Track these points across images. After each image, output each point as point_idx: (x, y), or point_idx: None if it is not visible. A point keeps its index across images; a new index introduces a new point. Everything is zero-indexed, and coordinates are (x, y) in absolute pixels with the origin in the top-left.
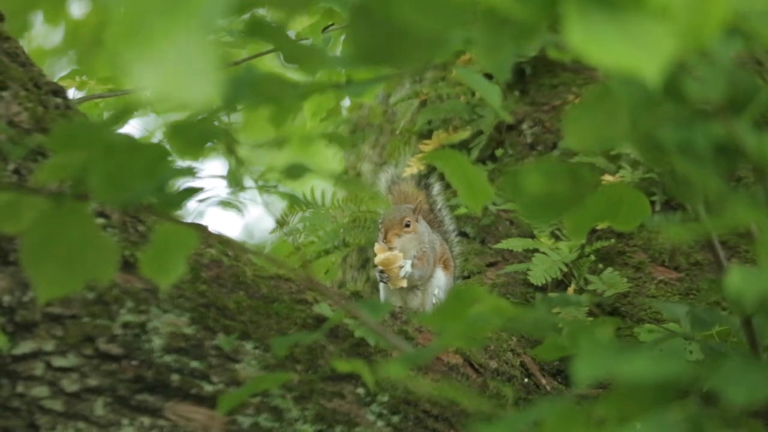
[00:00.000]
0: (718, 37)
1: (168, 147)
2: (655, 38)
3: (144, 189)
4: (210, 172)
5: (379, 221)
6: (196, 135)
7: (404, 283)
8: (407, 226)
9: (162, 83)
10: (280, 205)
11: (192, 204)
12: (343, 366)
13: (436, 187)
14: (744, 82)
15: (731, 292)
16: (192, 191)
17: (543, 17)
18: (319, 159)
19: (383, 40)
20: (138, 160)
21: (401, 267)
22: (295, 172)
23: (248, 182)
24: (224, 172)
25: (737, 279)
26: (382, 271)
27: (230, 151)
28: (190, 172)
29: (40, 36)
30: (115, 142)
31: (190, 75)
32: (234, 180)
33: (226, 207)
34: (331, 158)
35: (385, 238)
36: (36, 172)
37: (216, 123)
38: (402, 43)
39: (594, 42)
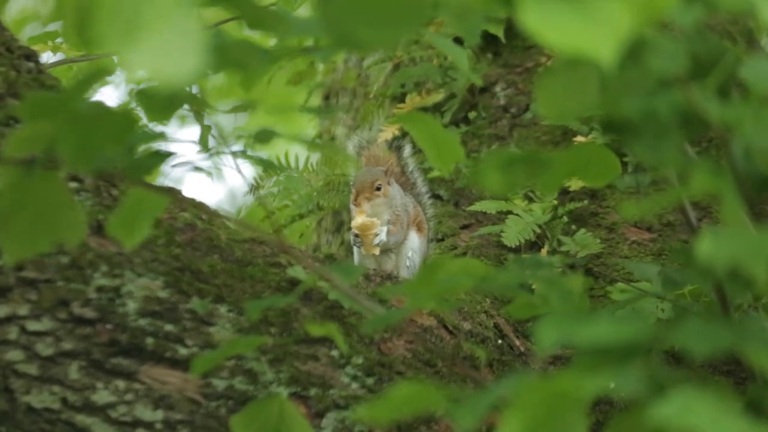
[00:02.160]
0: (676, 6)
1: (138, 113)
2: (610, 16)
3: (113, 155)
4: (183, 138)
5: (351, 183)
6: (165, 100)
7: (377, 251)
8: (378, 189)
9: (149, 64)
10: (256, 169)
11: (168, 169)
12: (316, 329)
13: (407, 149)
14: (709, 49)
15: (702, 258)
16: (162, 156)
17: None
18: (293, 123)
19: (354, 11)
20: (107, 126)
21: (377, 234)
22: (264, 136)
23: (220, 147)
24: (196, 138)
25: (708, 245)
26: (356, 235)
27: (200, 116)
28: (159, 137)
29: (24, 2)
30: (84, 110)
31: (176, 54)
32: (205, 145)
33: (199, 171)
34: (306, 122)
35: (355, 200)
36: (5, 144)
37: (186, 88)
38: (374, 11)
39: (547, 23)
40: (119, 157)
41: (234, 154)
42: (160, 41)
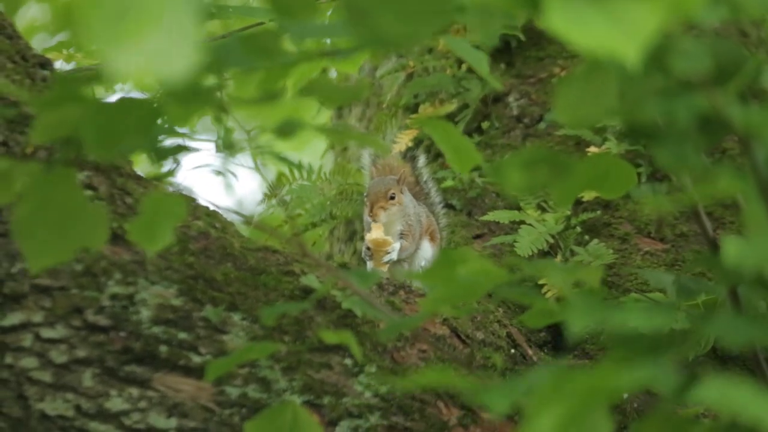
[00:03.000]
0: (702, 6)
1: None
2: (636, 16)
3: (136, 143)
4: (204, 138)
5: (365, 194)
6: (189, 94)
7: (385, 268)
8: (392, 198)
9: (142, 65)
10: (269, 177)
11: (184, 174)
12: (330, 337)
13: (421, 159)
14: (730, 53)
15: (729, 262)
16: (183, 148)
17: None
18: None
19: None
20: (131, 115)
21: (388, 253)
22: (287, 129)
23: (241, 145)
24: (215, 138)
25: (735, 250)
26: (368, 248)
27: (221, 113)
28: (182, 133)
29: (31, 13)
30: (107, 102)
31: (170, 53)
32: (225, 144)
33: (218, 174)
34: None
35: (371, 212)
36: (30, 132)
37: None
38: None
39: (573, 23)
40: (140, 145)
41: (254, 152)
42: (151, 38)
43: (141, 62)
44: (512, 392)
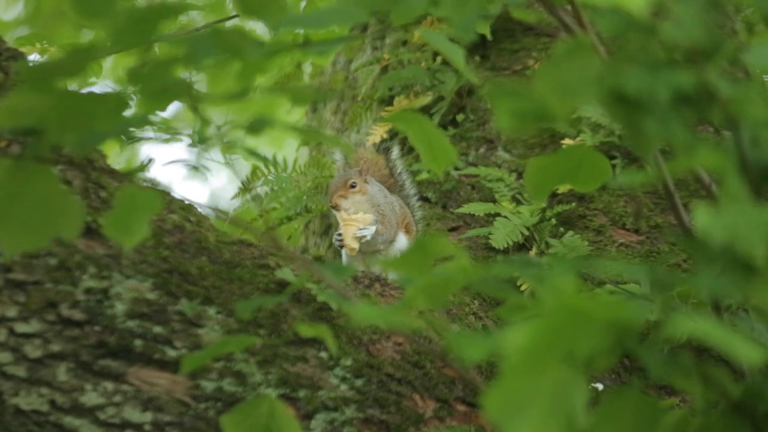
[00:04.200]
0: None
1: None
2: None
3: (102, 133)
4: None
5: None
6: (158, 86)
7: (355, 245)
8: (353, 187)
9: None
10: (244, 171)
11: (157, 167)
12: (306, 330)
13: (395, 152)
14: (714, 32)
15: (700, 228)
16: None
17: None
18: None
19: None
20: (98, 103)
21: (360, 229)
22: (257, 126)
23: (213, 139)
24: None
25: (705, 219)
26: (339, 235)
27: (194, 107)
28: (150, 121)
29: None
30: (74, 91)
31: None
32: (198, 138)
33: (192, 169)
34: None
35: (330, 202)
36: None
37: (180, 78)
38: None
39: None
40: (108, 135)
41: (227, 148)
42: None
43: None
44: (488, 342)
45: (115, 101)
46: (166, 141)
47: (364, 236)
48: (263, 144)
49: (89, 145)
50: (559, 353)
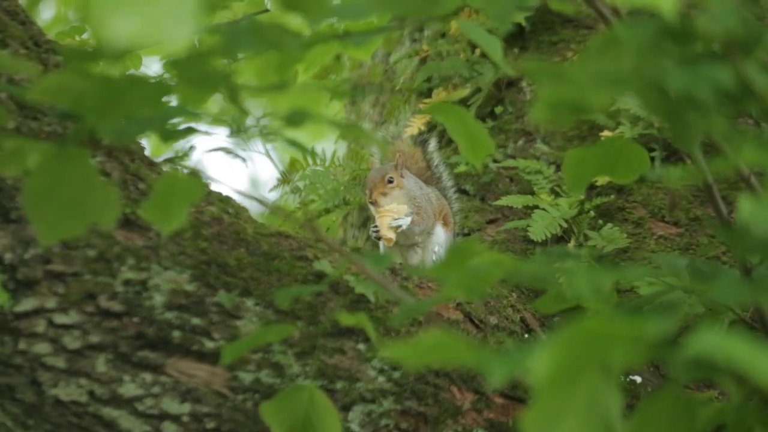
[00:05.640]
0: None
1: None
2: None
3: (144, 122)
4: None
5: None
6: (198, 76)
7: (392, 235)
8: (390, 182)
9: (140, 31)
10: (282, 163)
11: (197, 157)
12: (346, 319)
13: (433, 144)
14: (751, 23)
15: (742, 219)
16: (192, 130)
17: None
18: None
19: None
20: (138, 90)
21: (395, 219)
22: (296, 118)
23: (253, 130)
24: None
25: (748, 207)
26: (375, 226)
27: (233, 97)
28: (191, 113)
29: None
30: (114, 76)
31: (169, 18)
32: (237, 127)
33: (232, 155)
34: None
35: (370, 199)
36: (29, 90)
37: (220, 69)
38: None
39: None
40: (148, 124)
41: (266, 137)
42: (150, 3)
43: (139, 27)
44: (513, 361)
45: (156, 87)
46: (207, 133)
47: (400, 226)
48: (302, 136)
49: (129, 135)
50: (584, 378)
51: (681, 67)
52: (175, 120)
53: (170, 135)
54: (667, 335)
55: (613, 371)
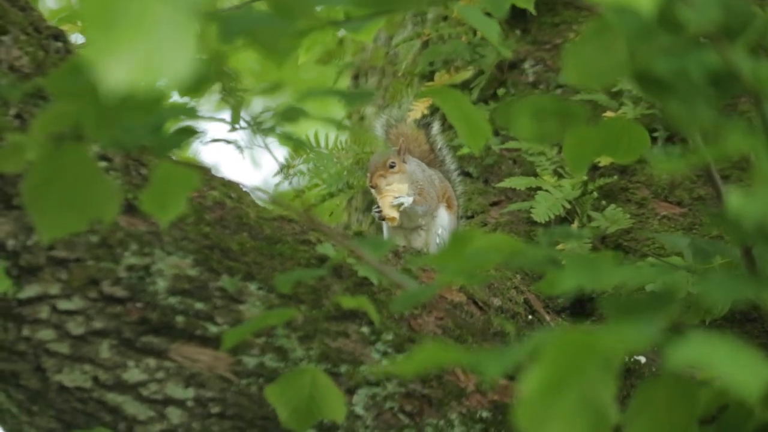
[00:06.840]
0: None
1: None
2: None
3: (140, 130)
4: (214, 116)
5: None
6: (196, 74)
7: (395, 214)
8: (392, 167)
9: (135, 71)
10: (287, 148)
11: (199, 147)
12: (348, 302)
13: (436, 127)
14: (738, 9)
15: (731, 213)
16: (191, 132)
17: None
18: (323, 102)
19: None
20: (131, 100)
21: (396, 197)
22: (291, 114)
23: (251, 124)
24: (225, 115)
25: (737, 201)
26: (377, 207)
27: (230, 91)
28: (189, 112)
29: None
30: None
31: (165, 57)
32: (235, 120)
33: (230, 145)
34: (335, 101)
35: (370, 182)
36: (35, 121)
37: (216, 63)
38: None
39: None
40: (146, 132)
41: (264, 132)
42: (144, 44)
43: (136, 68)
44: (506, 358)
45: (150, 93)
46: (202, 134)
47: (402, 204)
48: (312, 109)
49: (126, 145)
50: (570, 392)
51: (668, 54)
52: (172, 119)
53: (168, 143)
54: (651, 341)
55: (603, 380)
